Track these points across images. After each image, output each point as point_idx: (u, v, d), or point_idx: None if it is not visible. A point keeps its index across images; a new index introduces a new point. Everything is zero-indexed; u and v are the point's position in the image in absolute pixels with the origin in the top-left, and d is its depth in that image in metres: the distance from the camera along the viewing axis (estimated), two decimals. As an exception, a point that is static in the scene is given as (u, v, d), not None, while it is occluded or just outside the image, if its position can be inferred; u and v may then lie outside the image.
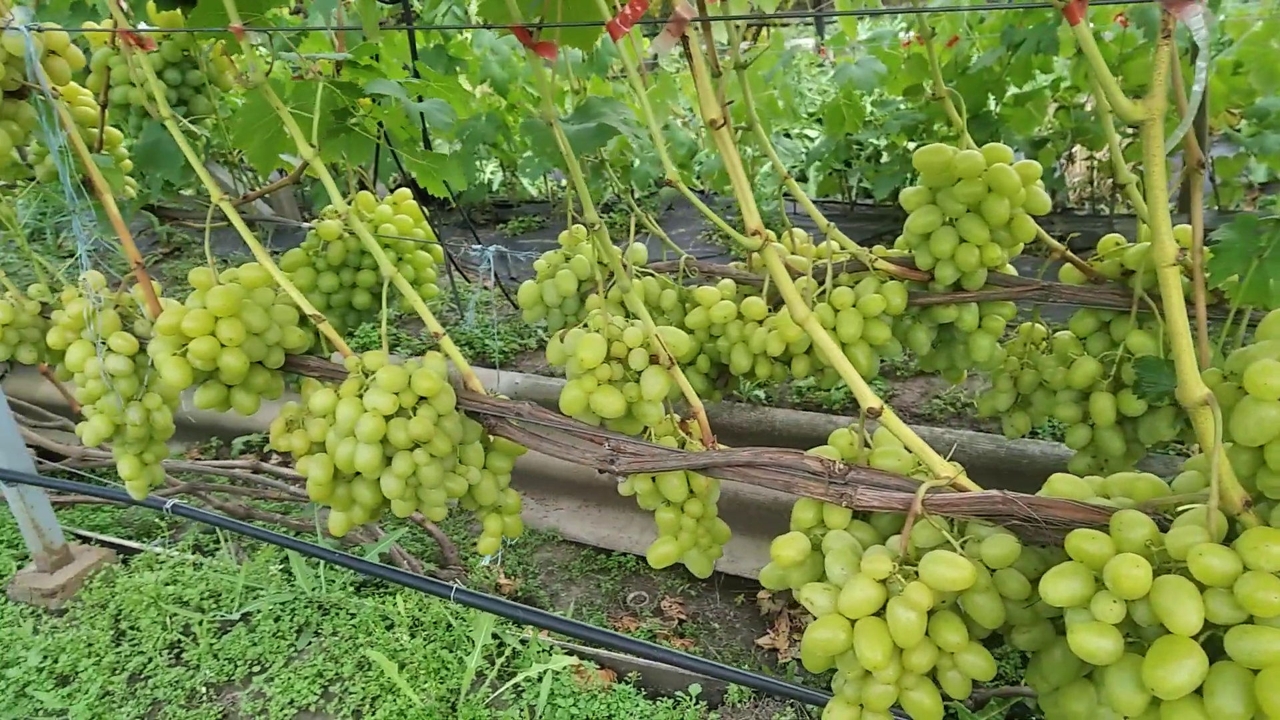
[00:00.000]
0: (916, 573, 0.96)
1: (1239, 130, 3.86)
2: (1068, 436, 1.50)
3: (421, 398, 1.29)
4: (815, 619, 1.01)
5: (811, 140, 5.92)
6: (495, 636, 2.43)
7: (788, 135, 5.75)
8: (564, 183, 7.05)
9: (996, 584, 0.98)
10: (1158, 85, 0.75)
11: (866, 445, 1.18)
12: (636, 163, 4.79)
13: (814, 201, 5.32)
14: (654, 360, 1.29)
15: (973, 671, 0.98)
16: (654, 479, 1.28)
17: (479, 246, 1.88)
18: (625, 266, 1.71)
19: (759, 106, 3.97)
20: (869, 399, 1.04)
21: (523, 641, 2.42)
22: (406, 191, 1.98)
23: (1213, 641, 0.79)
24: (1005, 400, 1.63)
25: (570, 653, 2.38)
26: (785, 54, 3.80)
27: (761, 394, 3.48)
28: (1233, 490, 0.86)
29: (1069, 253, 1.50)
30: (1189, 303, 1.29)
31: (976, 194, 1.41)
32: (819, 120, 5.74)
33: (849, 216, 5.12)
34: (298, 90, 1.48)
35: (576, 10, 1.16)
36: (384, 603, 2.60)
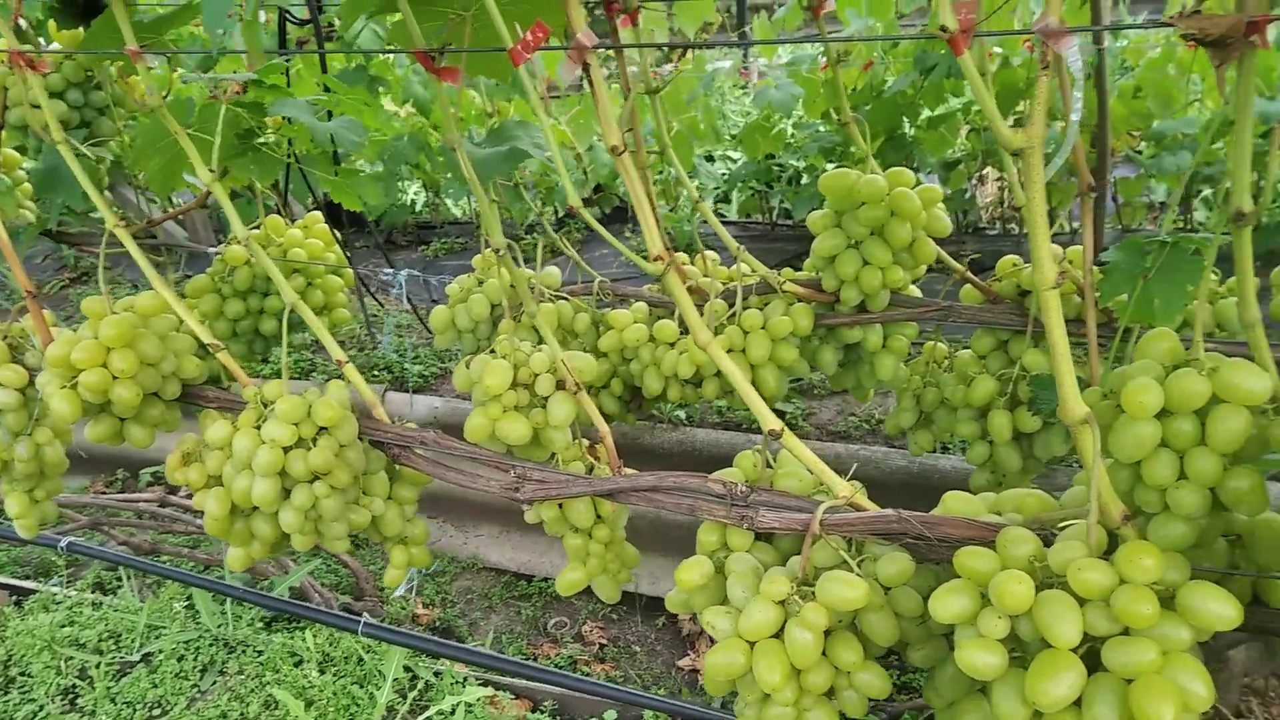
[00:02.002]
0: (814, 593, 0.97)
1: (1139, 152, 4.03)
2: (968, 453, 1.54)
3: (322, 428, 1.26)
4: (716, 643, 1.01)
5: (735, 161, 6.00)
6: (408, 669, 2.38)
7: (710, 159, 5.82)
8: (488, 205, 7.01)
9: (891, 602, 0.99)
10: (1037, 115, 0.77)
11: (769, 466, 1.19)
12: (561, 184, 4.79)
13: (736, 222, 5.38)
14: (560, 386, 1.28)
15: (869, 690, 0.99)
16: (560, 505, 1.28)
17: (390, 271, 1.85)
18: (533, 289, 1.70)
19: (681, 129, 4.01)
20: (770, 420, 1.05)
21: (436, 674, 2.37)
22: (317, 215, 1.95)
23: (1092, 654, 0.81)
24: (909, 418, 1.66)
25: (485, 683, 2.34)
26: (706, 76, 3.84)
27: (683, 414, 3.49)
28: (1112, 505, 0.88)
29: (968, 274, 1.54)
30: (1081, 321, 1.33)
31: (879, 218, 1.44)
32: (742, 142, 5.82)
33: (770, 237, 5.19)
34: (202, 112, 1.45)
35: (484, 37, 1.15)
36: (293, 638, 2.53)
